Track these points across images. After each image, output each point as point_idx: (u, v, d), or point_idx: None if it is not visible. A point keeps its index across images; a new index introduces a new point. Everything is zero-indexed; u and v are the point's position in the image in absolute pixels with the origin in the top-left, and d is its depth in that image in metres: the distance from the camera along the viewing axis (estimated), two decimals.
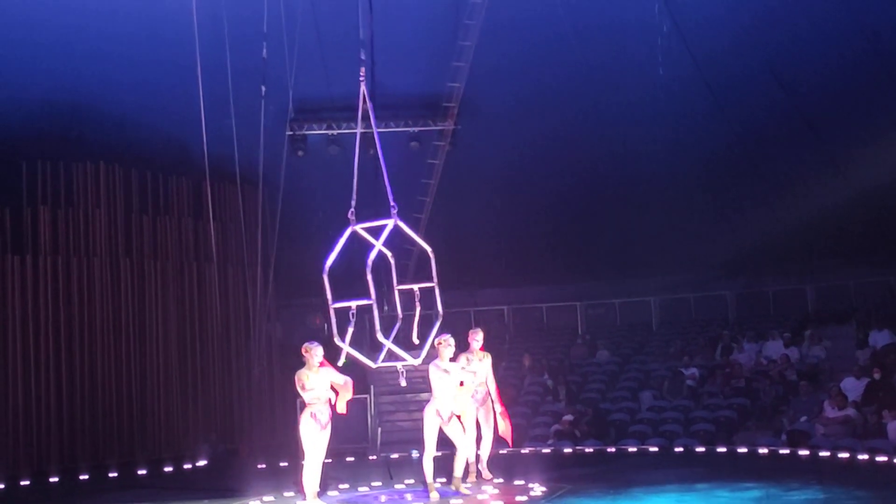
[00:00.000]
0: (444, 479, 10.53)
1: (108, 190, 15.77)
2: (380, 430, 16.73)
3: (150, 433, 15.51)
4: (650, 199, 18.18)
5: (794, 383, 15.24)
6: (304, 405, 9.85)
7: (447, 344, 10.06)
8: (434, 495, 9.86)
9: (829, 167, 16.80)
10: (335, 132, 17.34)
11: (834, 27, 15.21)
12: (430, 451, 9.98)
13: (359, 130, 10.10)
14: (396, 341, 9.55)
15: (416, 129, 17.28)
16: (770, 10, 15.34)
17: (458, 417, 10.11)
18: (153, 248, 16.15)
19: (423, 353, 9.75)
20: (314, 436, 9.66)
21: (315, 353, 9.77)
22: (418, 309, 9.61)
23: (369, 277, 9.23)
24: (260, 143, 15.06)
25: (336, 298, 9.34)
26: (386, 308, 10.78)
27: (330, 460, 10.41)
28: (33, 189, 15.12)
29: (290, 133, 17.08)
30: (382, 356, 9.65)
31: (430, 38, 16.33)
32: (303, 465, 9.82)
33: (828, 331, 17.24)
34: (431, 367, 10.01)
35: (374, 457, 14.67)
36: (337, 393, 9.82)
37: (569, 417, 15.36)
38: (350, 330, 9.29)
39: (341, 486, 10.78)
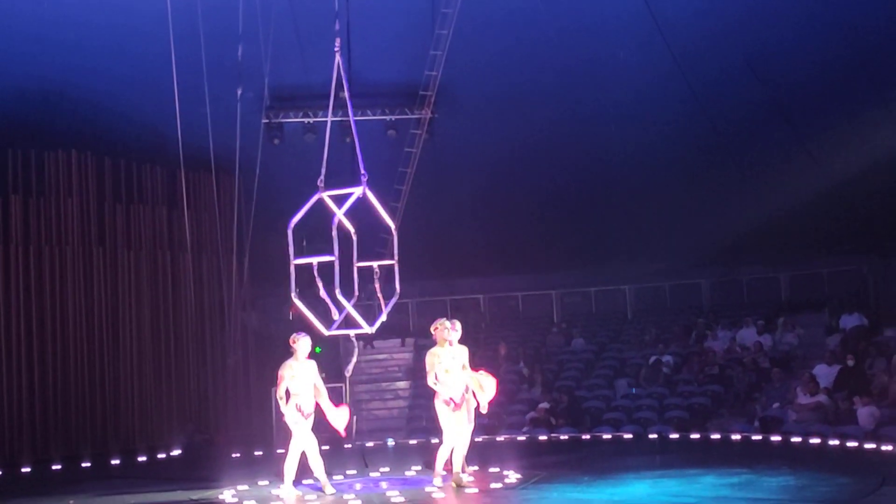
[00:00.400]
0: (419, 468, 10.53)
1: (81, 178, 15.62)
2: (355, 418, 16.72)
3: (123, 423, 15.42)
4: (626, 188, 18.24)
5: (766, 370, 15.39)
6: (282, 395, 9.81)
7: (444, 327, 9.85)
8: (437, 481, 9.77)
9: (804, 158, 16.92)
10: (311, 120, 17.25)
11: (810, 22, 15.29)
12: (449, 440, 9.77)
13: (331, 103, 10.06)
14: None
15: (393, 117, 17.22)
16: (747, 5, 15.40)
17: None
18: (126, 237, 16.03)
19: (378, 322, 9.70)
20: (299, 425, 9.69)
21: (303, 343, 9.78)
22: (378, 286, 9.62)
23: (334, 233, 9.27)
24: (236, 132, 14.96)
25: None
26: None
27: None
28: (4, 177, 14.94)
29: (266, 121, 16.98)
30: (337, 324, 9.67)
31: (407, 26, 16.26)
32: (284, 452, 9.83)
33: (801, 318, 17.41)
34: (427, 356, 9.91)
35: (349, 445, 14.66)
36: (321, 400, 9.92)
37: (544, 405, 15.44)
38: (320, 284, 9.27)
39: (305, 481, 10.75)
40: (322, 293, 9.32)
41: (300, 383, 9.79)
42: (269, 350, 17.77)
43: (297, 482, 9.93)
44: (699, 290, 19.99)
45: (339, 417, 10.02)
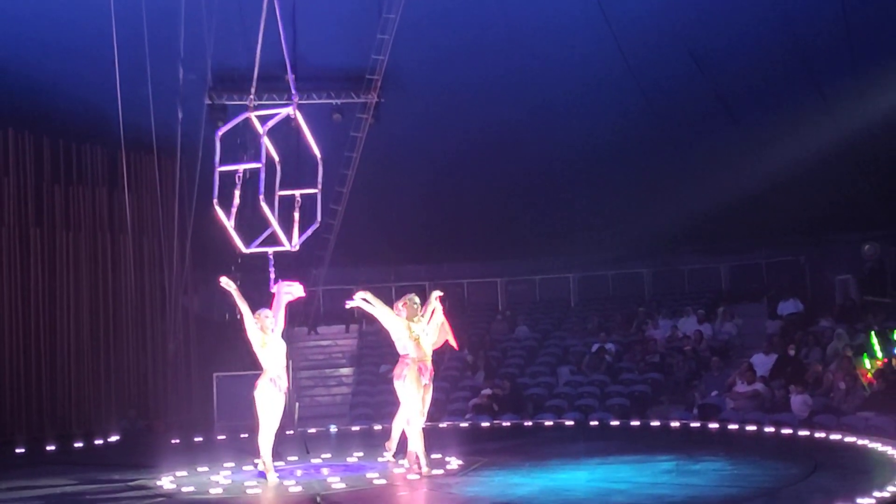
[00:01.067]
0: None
1: (18, 158, 15.26)
2: (297, 404, 16.64)
3: (59, 408, 15.15)
4: (571, 178, 18.36)
5: (706, 359, 15.63)
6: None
7: (413, 303, 9.77)
8: (426, 469, 9.60)
9: (744, 151, 17.20)
10: (256, 103, 17.00)
11: (752, 18, 15.51)
12: (419, 419, 9.64)
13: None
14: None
15: (339, 101, 17.07)
16: (692, 2, 15.58)
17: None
18: (65, 218, 15.71)
19: (296, 242, 9.69)
20: (272, 401, 9.53)
21: (266, 317, 9.63)
22: (297, 216, 9.62)
23: (262, 140, 9.26)
24: (178, 113, 14.72)
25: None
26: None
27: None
28: None
29: (209, 102, 16.72)
30: (257, 242, 9.66)
31: (353, 9, 16.12)
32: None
33: (740, 308, 17.70)
34: (398, 318, 9.75)
35: (291, 431, 14.57)
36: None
37: (487, 392, 15.50)
38: (237, 193, 9.21)
39: (256, 461, 10.68)
40: (236, 200, 9.21)
41: (273, 358, 9.62)
42: (211, 335, 17.60)
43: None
44: (641, 280, 20.22)
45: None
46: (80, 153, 16.02)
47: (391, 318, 9.79)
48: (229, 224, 9.36)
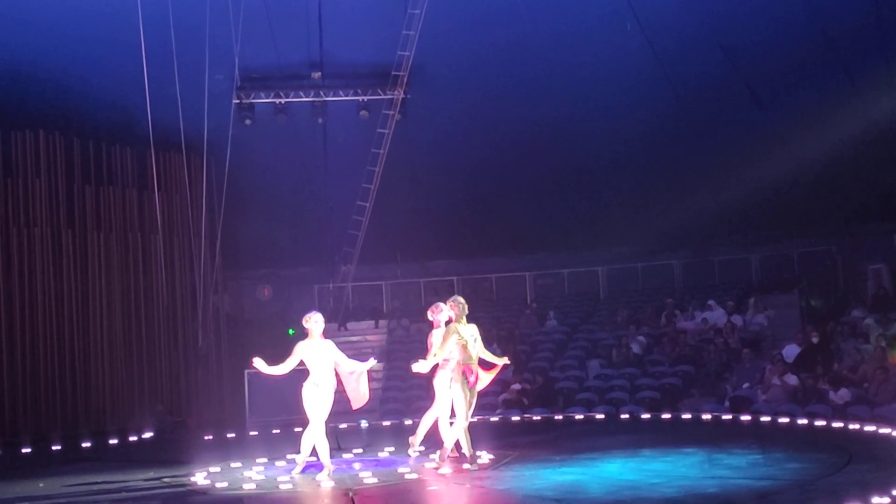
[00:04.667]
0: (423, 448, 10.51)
1: (49, 159, 15.45)
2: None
3: (94, 406, 15.34)
4: (599, 170, 18.31)
5: (737, 350, 15.50)
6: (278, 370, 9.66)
7: (458, 303, 9.84)
8: (472, 466, 9.62)
9: (775, 141, 17.05)
10: (283, 101, 17.15)
11: (782, 4, 15.40)
12: (464, 421, 9.68)
13: None
14: None
15: (366, 98, 17.16)
16: None
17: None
18: (96, 219, 15.89)
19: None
20: (313, 402, 9.55)
21: (315, 321, 9.66)
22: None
23: None
24: (204, 112, 14.84)
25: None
26: None
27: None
28: None
29: (237, 102, 16.87)
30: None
31: (379, 6, 16.18)
32: (308, 433, 9.69)
33: (771, 299, 17.54)
34: (447, 331, 9.78)
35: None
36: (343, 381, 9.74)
37: (517, 386, 15.48)
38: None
39: (289, 456, 10.75)
40: None
41: (315, 362, 9.61)
42: (241, 333, 17.74)
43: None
44: (671, 271, 20.09)
45: (358, 394, 9.89)
46: (110, 154, 16.20)
47: (447, 338, 9.80)
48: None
